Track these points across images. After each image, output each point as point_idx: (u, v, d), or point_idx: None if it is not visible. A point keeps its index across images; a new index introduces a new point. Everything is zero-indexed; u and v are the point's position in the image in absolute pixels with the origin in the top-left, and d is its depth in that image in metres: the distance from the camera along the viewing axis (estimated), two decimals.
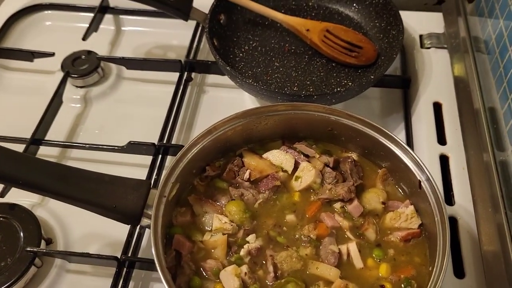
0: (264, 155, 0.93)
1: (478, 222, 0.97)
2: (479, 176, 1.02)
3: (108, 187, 0.79)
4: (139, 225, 0.89)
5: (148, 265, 0.94)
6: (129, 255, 0.94)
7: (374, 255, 0.82)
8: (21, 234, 0.96)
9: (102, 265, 0.95)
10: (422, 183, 0.81)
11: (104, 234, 1.01)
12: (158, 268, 0.71)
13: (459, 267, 0.93)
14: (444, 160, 1.07)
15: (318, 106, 0.89)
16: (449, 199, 1.02)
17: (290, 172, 0.91)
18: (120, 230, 0.97)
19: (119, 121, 1.21)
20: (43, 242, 0.97)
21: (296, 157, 0.92)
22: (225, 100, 1.22)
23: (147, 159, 1.08)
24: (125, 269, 0.93)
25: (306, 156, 0.93)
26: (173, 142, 1.11)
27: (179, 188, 0.84)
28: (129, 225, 0.95)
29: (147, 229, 0.99)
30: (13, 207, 1.00)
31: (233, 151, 0.94)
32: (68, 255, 0.94)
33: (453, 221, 0.98)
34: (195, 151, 0.85)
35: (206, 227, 0.85)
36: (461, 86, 1.17)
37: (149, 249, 0.98)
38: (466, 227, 0.97)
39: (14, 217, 0.99)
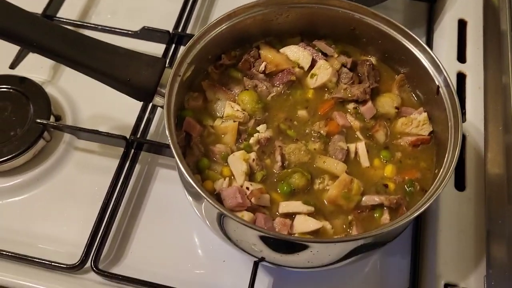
0: (282, 50, 0.91)
1: (487, 140, 0.97)
2: (495, 96, 1.01)
3: (123, 60, 0.77)
4: (151, 104, 0.89)
5: (156, 148, 0.95)
6: (138, 136, 0.95)
7: (381, 156, 0.82)
8: (31, 107, 0.97)
9: (110, 144, 0.96)
10: (440, 89, 0.80)
11: (113, 116, 1.01)
12: (170, 141, 0.71)
13: (460, 181, 0.94)
14: (461, 78, 1.06)
15: (343, 1, 0.86)
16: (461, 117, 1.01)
17: (306, 69, 0.89)
18: (129, 114, 0.98)
19: (132, 10, 1.18)
20: (52, 118, 0.97)
21: (314, 55, 0.90)
22: None
23: (160, 48, 1.06)
24: (132, 150, 0.94)
25: (324, 54, 0.91)
26: (188, 32, 1.08)
27: (193, 70, 0.83)
28: (141, 103, 0.95)
29: (156, 114, 0.99)
30: (23, 80, 1.00)
31: (250, 42, 0.91)
32: (77, 131, 0.95)
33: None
34: (213, 35, 0.83)
35: (218, 113, 0.85)
36: (490, 5, 1.12)
37: (157, 134, 0.99)
38: (473, 144, 0.98)
39: (24, 90, 0.98)
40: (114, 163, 0.93)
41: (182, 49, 1.03)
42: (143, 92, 0.79)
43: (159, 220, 0.91)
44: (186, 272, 0.86)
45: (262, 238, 0.69)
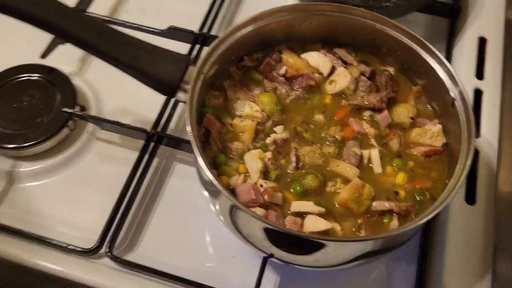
0: (303, 55, 0.93)
1: (500, 157, 0.98)
2: (511, 115, 1.02)
3: (150, 55, 0.81)
4: (173, 100, 0.92)
5: (175, 142, 0.98)
6: (159, 130, 0.98)
7: (394, 164, 0.84)
8: (58, 96, 1.01)
9: (131, 136, 0.99)
10: (455, 102, 0.82)
11: (136, 111, 1.04)
12: (190, 135, 0.74)
13: (471, 195, 0.95)
14: (478, 94, 1.07)
15: (365, 11, 0.88)
16: (476, 131, 1.02)
17: (325, 75, 0.92)
18: (152, 108, 1.01)
19: (160, 10, 1.21)
20: (77, 108, 1.01)
21: (333, 62, 0.92)
22: (270, 2, 1.20)
23: (185, 48, 1.09)
24: (152, 143, 0.98)
25: (344, 62, 0.93)
26: (212, 33, 1.12)
27: (216, 70, 0.86)
28: (164, 99, 0.99)
29: (177, 111, 1.03)
30: (52, 70, 1.04)
31: (273, 46, 0.94)
32: (101, 121, 0.98)
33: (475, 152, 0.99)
34: (238, 37, 0.86)
35: (237, 112, 0.87)
36: (511, 25, 1.14)
37: (177, 130, 1.02)
38: (486, 160, 0.99)
39: (52, 79, 1.02)
40: (134, 155, 0.96)
41: (206, 48, 1.06)
42: (167, 87, 0.82)
43: (173, 213, 0.94)
44: (196, 265, 0.88)
45: (272, 233, 0.71)
